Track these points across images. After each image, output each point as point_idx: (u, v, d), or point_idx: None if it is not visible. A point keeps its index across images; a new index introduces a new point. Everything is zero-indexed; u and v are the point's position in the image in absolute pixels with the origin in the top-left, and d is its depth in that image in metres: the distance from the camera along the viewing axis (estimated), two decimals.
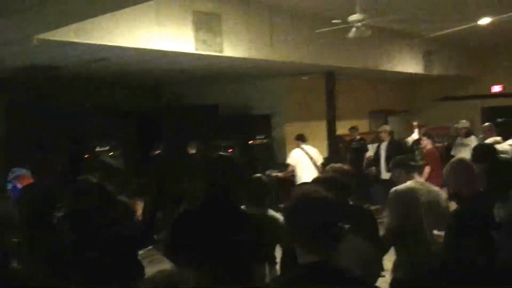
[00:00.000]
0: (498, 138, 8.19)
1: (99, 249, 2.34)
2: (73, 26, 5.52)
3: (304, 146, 8.77)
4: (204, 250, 2.33)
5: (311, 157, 8.63)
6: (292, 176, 8.69)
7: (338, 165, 3.50)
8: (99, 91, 10.89)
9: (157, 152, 8.14)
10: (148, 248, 7.49)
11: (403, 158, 4.01)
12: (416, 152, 9.26)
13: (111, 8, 5.09)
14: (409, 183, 3.69)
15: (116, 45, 6.12)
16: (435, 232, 3.38)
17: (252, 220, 2.58)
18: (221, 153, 2.88)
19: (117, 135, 8.87)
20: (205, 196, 2.59)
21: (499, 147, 7.96)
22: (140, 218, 7.27)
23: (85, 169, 3.11)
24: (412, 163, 3.87)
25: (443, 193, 3.81)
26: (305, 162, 8.56)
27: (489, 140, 8.07)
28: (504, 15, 8.96)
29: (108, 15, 5.61)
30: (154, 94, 12.74)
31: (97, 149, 8.40)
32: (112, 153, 8.19)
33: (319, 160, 8.75)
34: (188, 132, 9.40)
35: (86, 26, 5.64)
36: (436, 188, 3.82)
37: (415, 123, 11.32)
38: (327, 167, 3.45)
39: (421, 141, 8.73)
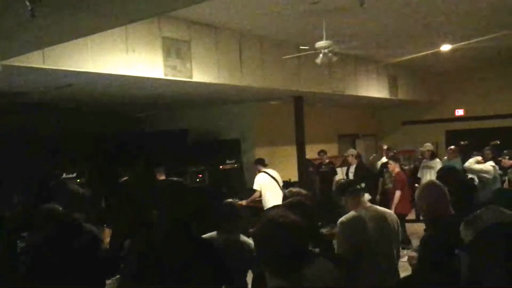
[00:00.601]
0: (479, 158, 8.41)
1: (65, 278, 2.27)
2: (41, 52, 5.47)
3: (266, 169, 8.79)
4: (166, 279, 2.29)
5: (276, 180, 8.68)
6: (258, 201, 8.66)
7: (296, 189, 3.50)
8: (65, 117, 10.72)
9: (125, 178, 8.02)
10: (116, 277, 7.32)
11: (344, 184, 3.95)
12: (386, 175, 9.43)
13: (80, 34, 5.06)
14: (354, 212, 3.67)
15: (84, 71, 6.07)
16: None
17: (216, 247, 2.56)
18: (174, 178, 2.84)
19: (84, 161, 8.71)
20: (167, 224, 2.55)
21: (482, 166, 8.21)
22: (107, 246, 7.10)
23: (50, 197, 3.03)
24: (356, 187, 3.83)
25: (391, 214, 3.81)
26: (271, 185, 8.58)
27: (472, 160, 8.24)
28: (464, 42, 9.35)
29: (76, 41, 5.57)
30: (123, 119, 12.63)
31: (64, 176, 8.21)
32: (79, 180, 8.03)
33: (281, 183, 8.82)
34: (157, 157, 9.31)
35: (54, 52, 5.58)
36: (383, 210, 3.81)
37: (385, 147, 11.53)
38: (286, 191, 3.46)
39: (388, 165, 8.83)
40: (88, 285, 2.34)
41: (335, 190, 4.01)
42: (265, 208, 8.30)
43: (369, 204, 3.79)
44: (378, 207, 3.86)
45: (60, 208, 2.67)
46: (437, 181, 3.50)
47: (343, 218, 3.69)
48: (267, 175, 8.69)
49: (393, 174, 8.62)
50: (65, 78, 6.57)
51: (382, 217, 3.69)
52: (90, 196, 3.50)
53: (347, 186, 3.84)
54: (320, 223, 9.24)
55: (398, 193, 8.16)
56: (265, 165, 8.98)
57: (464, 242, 1.69)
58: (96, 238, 2.83)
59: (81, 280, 2.33)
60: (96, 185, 7.91)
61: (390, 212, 3.83)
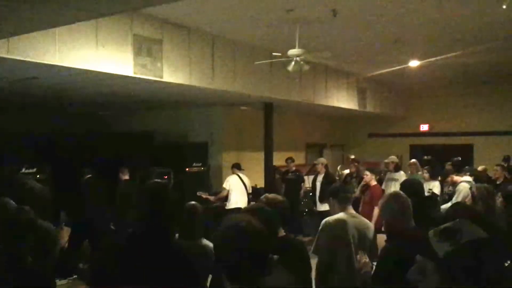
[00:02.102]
0: (425, 175, 8.65)
1: (14, 277, 2.17)
2: (6, 41, 5.28)
3: (239, 173, 9.13)
4: (128, 283, 2.21)
5: (245, 184, 8.88)
6: (222, 200, 8.84)
7: (272, 195, 3.50)
8: (29, 112, 10.44)
9: (88, 176, 7.83)
10: (73, 277, 7.12)
11: (338, 188, 4.06)
12: (353, 185, 9.45)
13: (46, 25, 4.91)
14: (339, 215, 3.76)
15: (50, 63, 5.90)
16: (364, 259, 3.44)
17: (181, 251, 2.49)
18: (156, 180, 2.76)
19: (46, 158, 8.47)
20: (135, 225, 2.48)
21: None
22: (65, 245, 6.90)
23: (4, 192, 2.91)
24: (347, 195, 3.93)
25: (371, 226, 3.92)
26: (239, 188, 8.77)
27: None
28: (432, 59, 9.60)
29: (44, 32, 5.42)
30: (88, 118, 12.38)
31: (23, 171, 7.95)
32: (38, 176, 7.78)
33: (249, 189, 9.16)
34: (122, 157, 9.16)
35: (19, 42, 5.40)
36: (365, 221, 3.93)
37: (352, 157, 11.61)
38: (262, 197, 3.44)
39: (365, 177, 8.64)
40: (36, 284, 2.24)
41: (327, 192, 4.06)
42: (228, 208, 8.38)
43: (354, 212, 3.87)
44: (361, 216, 3.99)
45: (13, 203, 2.56)
46: (400, 192, 3.51)
47: (328, 218, 3.79)
48: (238, 177, 8.97)
49: (370, 186, 8.40)
50: (30, 70, 6.37)
51: (364, 227, 3.82)
52: (48, 194, 3.38)
53: (338, 191, 3.91)
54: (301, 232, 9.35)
55: (376, 210, 7.79)
56: (240, 170, 9.39)
57: (435, 254, 1.70)
58: (50, 237, 2.73)
59: (27, 279, 2.22)
60: (56, 182, 7.69)
61: (371, 224, 3.95)
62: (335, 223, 3.72)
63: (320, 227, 3.79)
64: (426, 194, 8.13)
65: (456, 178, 8.08)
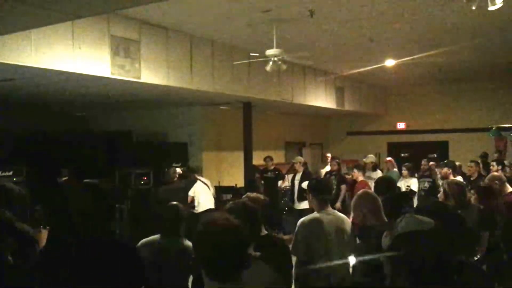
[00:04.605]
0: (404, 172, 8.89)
1: None
2: None
3: (199, 177, 8.96)
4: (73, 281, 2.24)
5: (208, 186, 8.91)
6: (192, 207, 8.83)
7: (254, 194, 3.55)
8: (5, 112, 10.27)
9: (65, 178, 7.76)
10: None
11: (318, 187, 4.02)
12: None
13: (22, 27, 4.88)
14: (314, 214, 3.83)
15: (26, 65, 5.84)
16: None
17: (130, 251, 2.53)
18: (88, 180, 2.78)
19: (22, 160, 8.35)
20: (76, 227, 2.50)
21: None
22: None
23: None
24: (325, 196, 3.93)
25: (347, 220, 3.97)
26: (205, 191, 8.76)
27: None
28: (407, 58, 9.78)
29: (20, 34, 5.36)
30: (65, 118, 12.24)
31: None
32: (15, 178, 7.68)
33: (212, 189, 9.06)
34: (99, 158, 9.10)
35: None
36: (342, 216, 3.98)
37: (328, 155, 11.75)
38: (243, 196, 3.49)
39: (352, 173, 8.92)
40: (18, 285, 2.24)
41: (308, 186, 4.08)
42: (198, 212, 8.41)
43: (330, 208, 3.93)
44: (337, 212, 4.03)
45: None
46: (370, 191, 3.70)
47: (304, 218, 3.85)
48: (200, 182, 8.86)
49: (357, 182, 8.60)
50: (6, 72, 6.30)
51: (340, 222, 3.87)
52: (26, 195, 3.36)
53: (319, 192, 3.91)
54: (281, 230, 9.45)
55: None
56: (198, 173, 9.15)
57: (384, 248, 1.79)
58: (28, 239, 2.72)
59: (8, 280, 2.23)
60: (34, 184, 7.60)
61: (347, 218, 4.01)
62: (309, 222, 3.78)
63: (296, 228, 3.84)
64: (404, 190, 8.32)
65: (448, 173, 8.17)
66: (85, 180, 2.89)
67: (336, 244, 3.74)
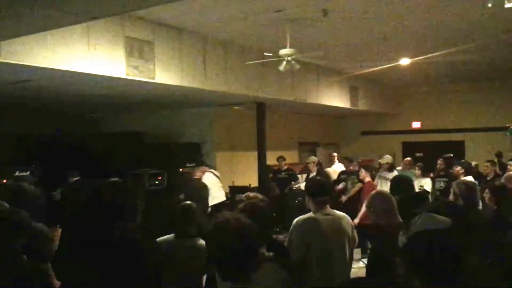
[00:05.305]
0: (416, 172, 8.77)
1: (8, 277, 2.20)
2: None
3: (211, 170, 9.09)
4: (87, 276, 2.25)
5: (219, 178, 9.00)
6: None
7: (253, 194, 3.52)
8: (21, 114, 10.43)
9: (76, 178, 7.85)
10: None
11: (314, 189, 3.87)
12: (349, 182, 9.48)
13: (39, 29, 4.95)
14: (310, 214, 3.73)
15: (43, 66, 5.92)
16: None
17: (138, 247, 2.53)
18: (114, 179, 2.78)
19: (38, 161, 8.47)
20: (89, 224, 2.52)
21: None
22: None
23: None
24: (323, 198, 3.78)
25: (346, 218, 3.84)
26: (216, 184, 8.83)
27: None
28: (422, 57, 9.69)
29: (37, 35, 5.44)
30: (78, 120, 12.36)
31: (17, 173, 7.95)
32: (33, 178, 7.78)
33: (222, 182, 9.16)
34: (111, 159, 9.18)
35: (12, 45, 5.42)
36: (341, 215, 3.83)
37: (335, 154, 11.58)
38: (243, 196, 3.48)
39: (360, 173, 8.74)
40: (32, 284, 2.28)
41: (305, 188, 4.02)
42: (210, 204, 8.45)
43: (329, 209, 3.83)
44: (335, 211, 3.88)
45: (7, 206, 2.59)
46: (385, 191, 3.63)
47: (298, 218, 3.75)
48: (211, 174, 8.96)
49: (364, 182, 8.47)
50: (23, 74, 6.39)
51: (338, 221, 3.76)
52: (41, 195, 3.41)
53: (315, 193, 3.79)
54: (278, 229, 9.45)
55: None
56: (208, 166, 9.32)
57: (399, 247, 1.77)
58: (43, 238, 2.76)
59: (22, 278, 2.26)
60: (49, 184, 7.70)
61: (345, 216, 3.88)
62: (304, 222, 3.69)
63: (290, 228, 3.73)
64: (417, 190, 8.23)
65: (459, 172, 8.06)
66: (112, 179, 2.90)
67: (333, 245, 3.65)
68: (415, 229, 1.69)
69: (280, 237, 5.05)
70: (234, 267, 1.76)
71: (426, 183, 8.81)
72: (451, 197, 4.35)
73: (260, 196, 3.38)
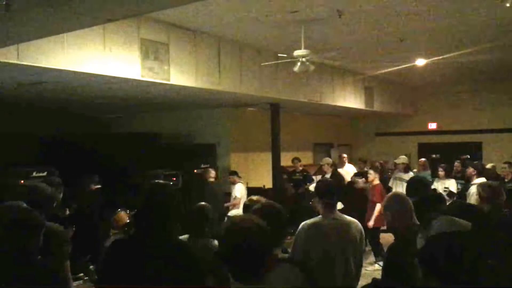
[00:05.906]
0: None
1: (23, 276, 2.23)
2: (16, 47, 5.38)
3: (241, 180, 9.29)
4: (133, 283, 2.26)
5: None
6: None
7: (256, 197, 3.48)
8: (36, 115, 10.57)
9: (97, 186, 7.86)
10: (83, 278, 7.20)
11: (324, 191, 3.78)
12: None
13: (56, 31, 5.01)
14: (316, 219, 3.67)
15: (59, 68, 5.99)
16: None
17: (186, 251, 2.53)
18: (157, 181, 2.80)
19: (54, 161, 8.57)
20: (136, 225, 2.54)
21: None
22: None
23: (16, 195, 2.97)
24: (330, 202, 3.69)
25: (356, 223, 3.75)
26: (246, 195, 8.88)
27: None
28: (438, 57, 9.58)
29: (53, 38, 5.50)
30: (94, 120, 12.49)
31: (34, 174, 8.05)
32: (51, 178, 7.86)
33: None
34: (128, 160, 9.24)
35: (29, 47, 5.50)
36: (349, 220, 3.75)
37: (344, 155, 11.44)
38: (245, 201, 3.44)
39: (369, 175, 8.59)
40: (47, 283, 2.30)
41: (314, 190, 3.96)
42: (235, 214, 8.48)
43: (338, 213, 3.77)
44: (345, 216, 3.79)
45: (24, 205, 2.62)
46: (401, 193, 3.57)
47: (305, 222, 3.69)
48: (242, 184, 9.19)
49: (372, 185, 8.36)
50: (40, 75, 6.47)
51: (345, 227, 3.67)
52: (57, 196, 3.45)
53: (323, 196, 3.72)
54: (292, 230, 9.38)
55: (379, 206, 7.68)
56: (239, 177, 9.50)
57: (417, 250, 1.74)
58: (60, 239, 2.79)
59: (37, 278, 2.28)
60: (66, 185, 7.77)
61: (355, 221, 3.80)
62: (309, 226, 3.63)
63: (297, 231, 3.67)
64: (443, 192, 8.06)
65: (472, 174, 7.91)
66: (156, 181, 2.91)
67: (338, 250, 3.56)
68: (433, 232, 1.67)
69: None
70: (246, 267, 1.76)
71: (451, 184, 8.67)
72: (473, 198, 4.28)
73: (263, 199, 3.33)
